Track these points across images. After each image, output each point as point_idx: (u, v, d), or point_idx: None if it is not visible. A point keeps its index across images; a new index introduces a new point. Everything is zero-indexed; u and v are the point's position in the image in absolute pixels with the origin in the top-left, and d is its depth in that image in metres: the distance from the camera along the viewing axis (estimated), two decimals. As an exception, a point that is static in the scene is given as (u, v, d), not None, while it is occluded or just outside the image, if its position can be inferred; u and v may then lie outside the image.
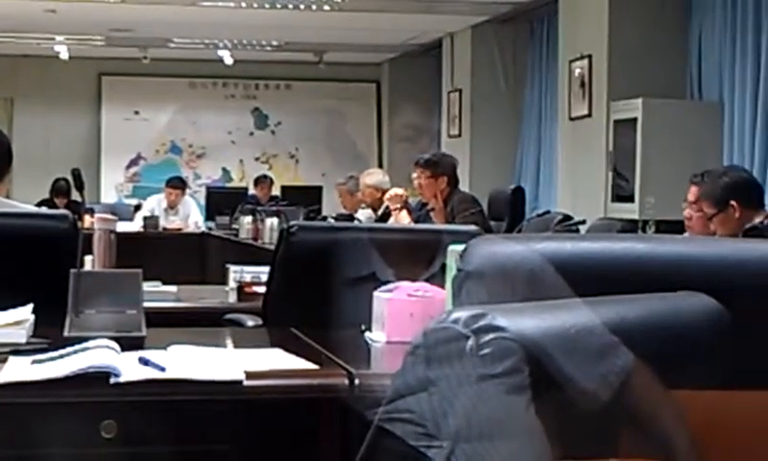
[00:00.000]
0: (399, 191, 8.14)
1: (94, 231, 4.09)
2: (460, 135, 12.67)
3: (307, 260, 3.63)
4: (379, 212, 8.94)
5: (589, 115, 9.51)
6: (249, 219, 9.68)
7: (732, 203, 4.99)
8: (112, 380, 2.36)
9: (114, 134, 15.87)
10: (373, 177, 9.60)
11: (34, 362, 2.47)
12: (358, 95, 16.42)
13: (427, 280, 3.25)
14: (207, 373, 2.46)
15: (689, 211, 5.35)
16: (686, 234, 5.24)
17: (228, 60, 14.84)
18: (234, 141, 16.33)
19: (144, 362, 2.46)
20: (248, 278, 4.68)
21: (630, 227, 7.95)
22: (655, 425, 1.21)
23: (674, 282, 1.33)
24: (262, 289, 4.10)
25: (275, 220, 8.77)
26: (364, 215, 9.52)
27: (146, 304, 3.12)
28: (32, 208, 4.34)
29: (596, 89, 9.39)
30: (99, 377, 2.36)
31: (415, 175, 7.79)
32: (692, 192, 5.37)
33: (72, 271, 3.05)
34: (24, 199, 5.57)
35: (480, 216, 7.29)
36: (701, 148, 8.38)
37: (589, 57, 9.46)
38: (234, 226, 10.42)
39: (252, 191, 13.20)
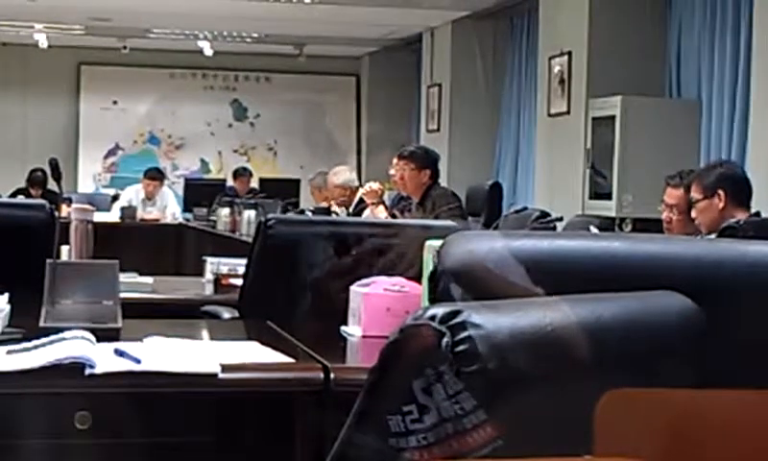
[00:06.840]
0: (375, 186, 8.02)
1: (71, 221, 4.07)
2: (439, 130, 12.67)
3: (284, 253, 3.63)
4: (350, 210, 8.86)
5: (568, 112, 9.52)
6: (226, 211, 9.67)
7: (720, 192, 4.99)
8: (87, 371, 2.36)
9: (92, 124, 15.81)
10: (341, 176, 9.27)
11: (8, 352, 2.46)
12: (337, 88, 16.39)
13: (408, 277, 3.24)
14: (183, 365, 2.46)
15: (668, 214, 5.33)
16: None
17: (208, 52, 14.79)
18: (213, 133, 16.28)
19: (119, 354, 2.46)
20: (224, 270, 4.67)
21: (607, 224, 7.95)
22: (628, 424, 1.22)
23: (650, 281, 1.33)
24: (239, 281, 4.09)
25: (252, 212, 8.76)
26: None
27: (122, 295, 3.11)
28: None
29: (575, 86, 9.41)
30: (74, 368, 2.36)
31: (394, 168, 7.71)
32: (669, 194, 5.36)
33: (48, 261, 3.04)
34: (1, 187, 5.55)
35: (459, 211, 7.27)
36: (679, 146, 8.40)
37: (569, 53, 9.48)
38: (212, 217, 10.41)
39: (230, 183, 13.16)
